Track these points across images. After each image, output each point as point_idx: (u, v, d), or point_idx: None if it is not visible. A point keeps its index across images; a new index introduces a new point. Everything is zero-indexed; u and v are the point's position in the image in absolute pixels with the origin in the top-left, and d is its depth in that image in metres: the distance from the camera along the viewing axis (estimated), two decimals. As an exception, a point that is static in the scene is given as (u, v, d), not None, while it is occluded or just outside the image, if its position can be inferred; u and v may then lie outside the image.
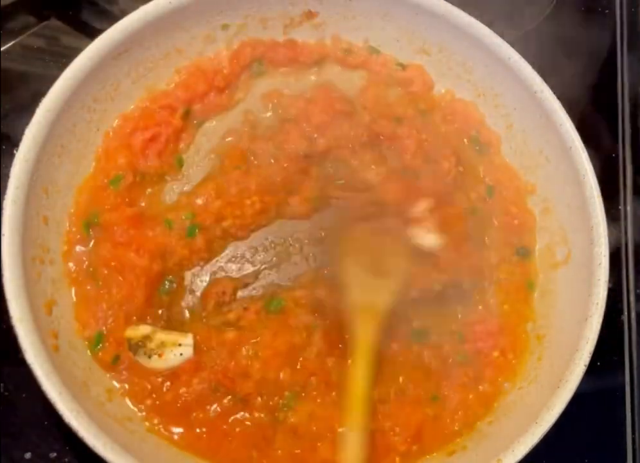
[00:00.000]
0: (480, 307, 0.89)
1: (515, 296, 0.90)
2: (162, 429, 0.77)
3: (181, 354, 0.78)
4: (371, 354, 0.76)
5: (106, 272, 0.80)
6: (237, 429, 0.78)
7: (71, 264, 0.80)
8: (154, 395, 0.78)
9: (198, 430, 0.77)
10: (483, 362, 0.86)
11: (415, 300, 0.85)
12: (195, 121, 0.90)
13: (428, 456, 0.81)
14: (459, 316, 0.88)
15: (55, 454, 0.80)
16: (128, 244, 0.81)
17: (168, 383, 0.78)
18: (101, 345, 0.78)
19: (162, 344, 0.78)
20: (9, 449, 0.79)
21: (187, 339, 0.79)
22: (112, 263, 0.80)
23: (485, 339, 0.86)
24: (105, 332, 0.78)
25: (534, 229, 0.93)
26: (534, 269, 0.92)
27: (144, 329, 0.79)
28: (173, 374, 0.78)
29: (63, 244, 0.80)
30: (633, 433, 0.95)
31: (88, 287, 0.80)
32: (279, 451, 0.78)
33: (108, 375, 0.78)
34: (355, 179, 0.90)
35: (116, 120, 0.86)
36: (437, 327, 0.86)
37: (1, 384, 0.81)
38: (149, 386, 0.78)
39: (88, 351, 0.78)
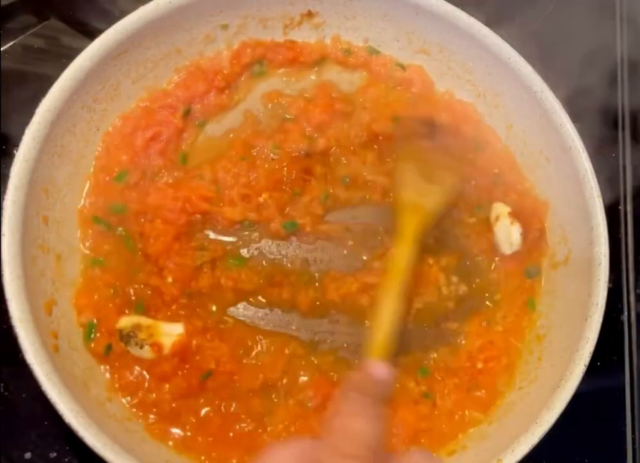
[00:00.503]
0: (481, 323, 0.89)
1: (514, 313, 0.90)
2: (159, 428, 0.77)
3: (172, 343, 0.78)
4: (414, 242, 0.84)
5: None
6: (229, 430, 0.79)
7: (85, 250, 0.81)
8: (147, 389, 0.78)
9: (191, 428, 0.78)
10: (477, 370, 0.86)
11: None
12: (196, 122, 0.90)
13: (427, 457, 0.82)
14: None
15: (55, 454, 0.80)
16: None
17: (160, 374, 0.78)
18: (93, 335, 0.78)
19: (153, 334, 0.78)
20: (9, 449, 0.79)
21: (178, 328, 0.79)
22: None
23: (479, 355, 0.87)
24: (96, 322, 0.78)
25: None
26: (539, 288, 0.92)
27: (135, 319, 0.79)
28: (163, 364, 0.78)
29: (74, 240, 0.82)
30: (633, 433, 0.95)
31: (90, 277, 0.81)
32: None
33: (102, 367, 0.78)
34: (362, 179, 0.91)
35: (117, 120, 0.86)
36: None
37: (1, 385, 0.81)
38: (141, 379, 0.78)
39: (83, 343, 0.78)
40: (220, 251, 0.84)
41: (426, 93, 0.97)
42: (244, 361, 0.81)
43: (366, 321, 0.85)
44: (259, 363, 0.81)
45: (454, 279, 0.89)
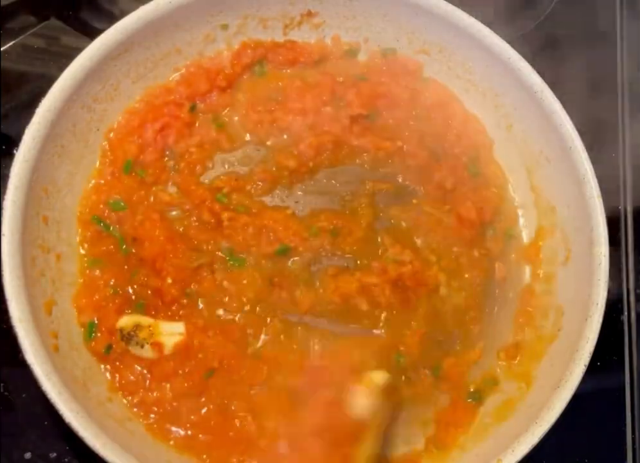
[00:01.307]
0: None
1: None
2: (160, 427, 0.77)
3: (174, 343, 0.78)
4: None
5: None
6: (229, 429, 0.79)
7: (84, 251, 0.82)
8: (148, 388, 0.78)
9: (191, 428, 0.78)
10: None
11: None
12: (201, 115, 0.90)
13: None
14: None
15: (55, 454, 0.80)
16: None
17: (162, 373, 0.78)
18: (93, 335, 0.78)
19: (154, 333, 0.78)
20: (9, 449, 0.79)
21: (179, 327, 0.79)
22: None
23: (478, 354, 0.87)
24: (97, 322, 0.78)
25: None
26: None
27: (135, 318, 0.79)
28: (164, 363, 0.78)
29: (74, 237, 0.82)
30: (633, 433, 0.95)
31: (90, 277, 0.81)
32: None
33: (102, 366, 0.78)
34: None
35: (120, 117, 0.86)
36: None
37: (1, 384, 0.82)
38: (142, 379, 0.78)
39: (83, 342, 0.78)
40: (216, 252, 0.84)
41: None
42: (248, 356, 0.80)
43: (365, 321, 0.85)
44: (263, 357, 0.81)
45: (454, 283, 0.89)
